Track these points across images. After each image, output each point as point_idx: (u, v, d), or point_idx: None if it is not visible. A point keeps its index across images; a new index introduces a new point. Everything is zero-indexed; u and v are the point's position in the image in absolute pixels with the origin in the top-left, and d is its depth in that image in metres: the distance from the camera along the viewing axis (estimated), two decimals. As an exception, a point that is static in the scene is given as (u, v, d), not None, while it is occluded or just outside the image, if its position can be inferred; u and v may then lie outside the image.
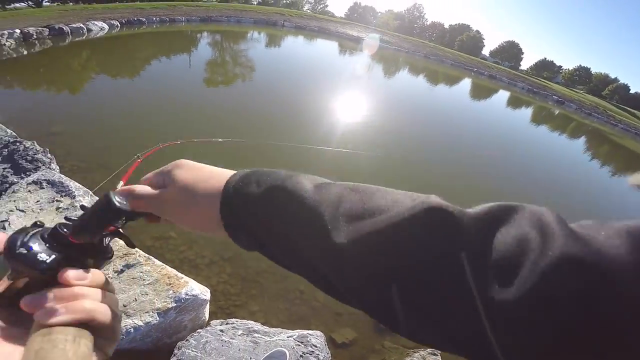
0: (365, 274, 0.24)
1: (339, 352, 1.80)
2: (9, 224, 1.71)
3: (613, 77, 48.08)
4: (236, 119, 4.84)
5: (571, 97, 24.24)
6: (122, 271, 1.59)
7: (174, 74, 6.58)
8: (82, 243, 0.28)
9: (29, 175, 2.11)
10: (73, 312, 0.24)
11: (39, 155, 2.33)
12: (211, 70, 7.83)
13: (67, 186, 2.02)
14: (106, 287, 0.29)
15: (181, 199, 0.32)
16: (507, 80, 22.93)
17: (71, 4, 12.65)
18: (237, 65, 8.81)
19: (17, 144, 2.39)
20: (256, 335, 1.56)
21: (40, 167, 2.24)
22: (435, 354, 1.79)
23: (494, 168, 5.48)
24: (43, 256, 0.25)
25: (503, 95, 17.63)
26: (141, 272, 1.60)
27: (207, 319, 1.69)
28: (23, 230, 0.27)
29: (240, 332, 1.56)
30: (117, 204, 0.27)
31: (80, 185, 2.10)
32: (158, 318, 1.43)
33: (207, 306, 1.67)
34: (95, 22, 8.25)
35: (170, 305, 1.47)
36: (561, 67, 52.68)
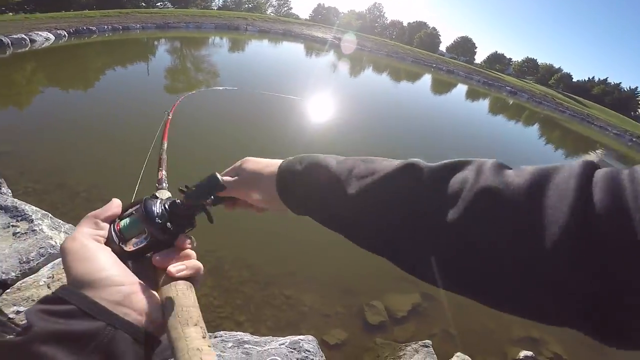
0: (369, 210, 0.34)
1: (332, 353, 1.79)
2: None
3: (557, 66, 52.31)
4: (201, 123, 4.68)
5: (522, 88, 26.06)
6: None
7: (131, 82, 6.24)
8: (187, 213, 0.36)
9: (-24, 203, 1.89)
10: (191, 269, 0.34)
11: (-14, 179, 2.11)
12: (172, 77, 7.51)
13: (23, 210, 1.84)
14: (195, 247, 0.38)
15: (252, 181, 0.43)
16: (464, 75, 24.19)
17: (10, 13, 11.61)
18: (200, 71, 8.53)
19: (-42, 169, 2.14)
20: (247, 346, 1.50)
21: (-12, 192, 2.02)
22: (427, 346, 1.80)
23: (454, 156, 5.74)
24: (169, 225, 0.34)
25: (461, 88, 18.58)
26: None
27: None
28: (151, 201, 0.35)
29: (230, 344, 1.50)
30: (222, 180, 0.38)
31: (37, 209, 1.91)
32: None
33: None
34: (40, 33, 7.61)
35: None
36: (511, 59, 56.29)
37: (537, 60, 54.09)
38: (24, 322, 0.25)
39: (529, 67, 53.82)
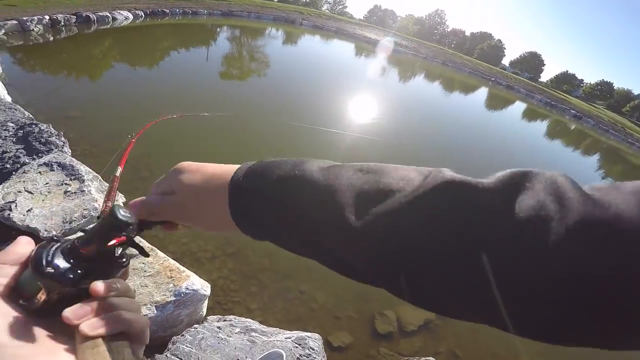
0: (384, 253, 0.24)
1: (334, 355, 1.76)
2: (16, 206, 1.72)
3: (636, 93, 46.66)
4: (246, 107, 4.85)
5: (589, 112, 23.56)
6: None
7: (190, 66, 6.66)
8: (100, 254, 0.29)
9: (41, 157, 2.13)
10: (114, 323, 0.26)
11: (53, 138, 2.36)
12: (227, 64, 7.89)
13: (78, 170, 2.03)
14: (130, 295, 0.30)
15: (191, 201, 0.32)
16: (524, 92, 22.46)
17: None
18: (253, 61, 8.85)
19: (33, 126, 2.42)
20: (254, 334, 1.53)
21: (53, 149, 2.26)
22: None
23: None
24: (69, 272, 0.26)
25: (519, 106, 17.26)
26: (143, 262, 1.58)
27: (205, 314, 1.67)
28: (44, 247, 0.27)
29: (237, 329, 1.53)
30: (122, 217, 0.28)
31: (90, 170, 2.11)
32: (155, 312, 1.40)
33: (206, 301, 1.64)
34: (121, 12, 8.39)
35: (169, 299, 1.44)
36: (582, 80, 51.33)
37: (614, 85, 48.71)
38: None
39: (602, 91, 48.73)
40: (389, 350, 1.88)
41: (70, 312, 0.25)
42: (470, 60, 27.74)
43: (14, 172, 1.99)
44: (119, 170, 0.43)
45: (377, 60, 16.31)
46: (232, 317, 1.63)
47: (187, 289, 1.49)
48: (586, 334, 0.21)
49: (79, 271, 0.27)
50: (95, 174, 2.12)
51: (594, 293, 0.19)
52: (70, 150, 2.38)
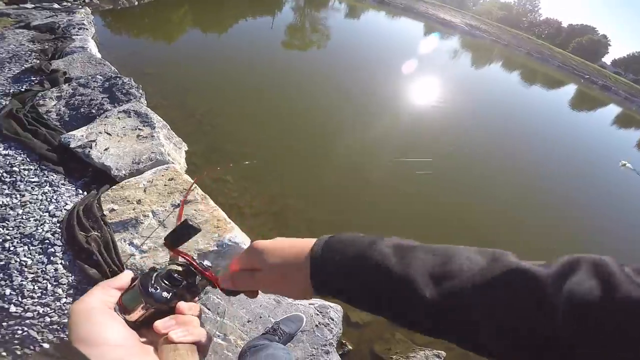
0: (456, 322, 0.30)
1: (349, 330, 1.79)
2: (96, 144, 1.98)
3: None
4: (295, 90, 4.88)
5: None
6: (178, 206, 1.72)
7: (256, 34, 6.86)
8: (186, 283, 0.39)
9: (121, 105, 2.41)
10: (191, 334, 0.34)
11: (133, 90, 2.64)
12: (290, 34, 7.95)
13: (150, 118, 2.26)
14: (200, 315, 0.38)
15: (277, 277, 0.38)
16: (624, 95, 19.09)
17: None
18: (315, 32, 8.77)
19: (117, 79, 2.73)
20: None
21: (131, 99, 2.54)
22: (439, 357, 1.74)
23: (577, 205, 4.31)
24: (165, 294, 0.36)
25: (612, 110, 14.76)
26: (195, 209, 1.71)
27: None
28: (149, 275, 0.37)
29: None
30: (197, 226, 0.41)
31: (161, 119, 2.34)
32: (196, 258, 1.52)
33: None
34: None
35: (211, 248, 1.52)
36: None
37: None
38: None
39: None
40: (403, 337, 1.87)
41: (160, 324, 0.34)
42: (561, 53, 24.15)
43: (98, 117, 2.28)
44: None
45: (450, 43, 15.02)
46: None
47: (230, 240, 1.56)
48: None
49: (171, 294, 0.36)
50: (164, 122, 2.34)
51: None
52: (146, 101, 2.65)
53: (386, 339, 1.85)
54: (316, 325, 1.52)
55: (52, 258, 1.49)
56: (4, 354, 1.24)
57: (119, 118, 2.23)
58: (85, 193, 1.80)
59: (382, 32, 12.11)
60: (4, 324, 1.30)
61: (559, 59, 21.01)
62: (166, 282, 0.37)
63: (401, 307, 0.32)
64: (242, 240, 1.62)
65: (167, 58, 4.38)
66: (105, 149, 1.96)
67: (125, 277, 0.38)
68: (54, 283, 1.41)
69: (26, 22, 4.42)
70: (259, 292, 0.43)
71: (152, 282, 0.36)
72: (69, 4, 5.55)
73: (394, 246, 0.34)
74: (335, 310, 1.62)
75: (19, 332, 1.28)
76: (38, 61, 3.08)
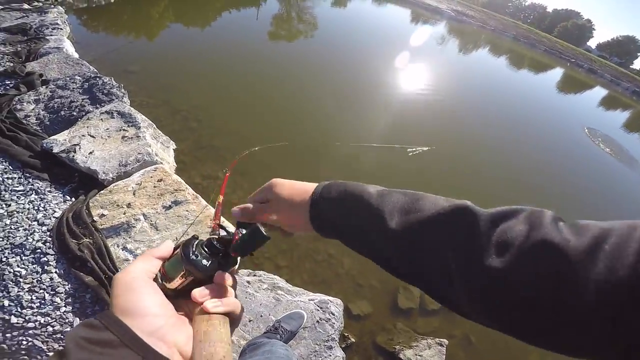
0: (412, 247, 0.35)
1: (351, 323, 1.79)
2: (79, 148, 1.90)
3: None
4: (284, 81, 4.80)
5: (691, 106, 19.76)
6: (169, 207, 1.68)
7: (241, 26, 6.71)
8: (225, 253, 0.39)
9: (103, 106, 2.32)
10: (226, 305, 0.34)
11: (114, 89, 2.54)
12: (276, 24, 7.79)
13: (135, 117, 2.18)
14: (236, 287, 0.39)
15: (284, 208, 0.44)
16: (609, 78, 19.38)
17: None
18: (301, 22, 8.64)
19: (97, 79, 2.62)
20: (280, 292, 1.58)
21: (114, 99, 2.44)
22: (441, 345, 1.75)
23: (556, 181, 4.43)
24: (205, 262, 0.36)
25: (598, 93, 14.99)
26: (187, 210, 1.68)
27: (237, 268, 1.75)
28: (190, 242, 0.37)
29: (265, 286, 1.59)
30: (266, 234, 0.38)
31: (146, 118, 2.26)
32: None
33: None
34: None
35: None
36: (690, 70, 42.72)
37: None
38: (62, 347, 0.26)
39: None
40: (405, 326, 1.87)
41: (197, 292, 0.34)
42: (547, 38, 24.32)
43: (79, 119, 2.19)
44: (220, 198, 0.53)
45: (436, 29, 14.94)
46: (262, 272, 1.69)
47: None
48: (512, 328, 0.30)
49: (211, 263, 0.37)
50: (150, 122, 2.27)
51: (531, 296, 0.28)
52: (129, 101, 2.57)
53: (388, 329, 1.85)
54: (317, 321, 1.51)
55: (46, 267, 1.47)
56: None
57: (101, 119, 2.14)
58: (73, 199, 1.75)
59: (369, 20, 11.98)
60: (8, 335, 1.29)
61: (545, 44, 21.16)
62: (206, 250, 0.37)
63: (374, 237, 0.37)
64: None
65: (149, 55, 4.23)
66: (90, 153, 1.89)
67: (167, 246, 0.38)
68: (51, 292, 1.40)
69: (-3, 23, 4.22)
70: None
71: (194, 249, 0.36)
72: (40, 4, 5.30)
73: (380, 189, 0.40)
74: (335, 304, 1.61)
75: (24, 342, 1.28)
76: (11, 64, 2.94)
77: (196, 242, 0.37)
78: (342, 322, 1.58)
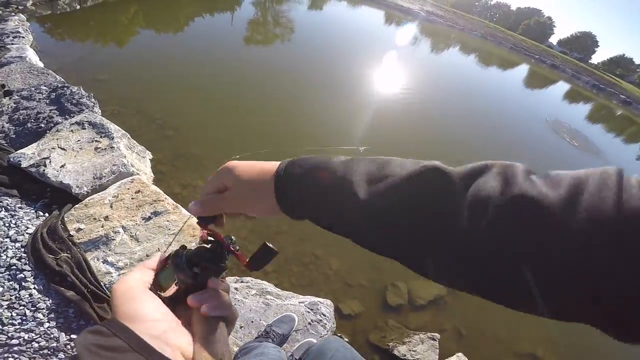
0: (384, 215, 0.32)
1: (343, 323, 1.80)
2: (50, 162, 1.81)
3: None
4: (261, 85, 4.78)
5: (644, 98, 21.35)
6: (149, 218, 1.63)
7: (215, 31, 6.60)
8: (214, 260, 0.40)
9: (73, 117, 2.22)
10: (222, 308, 0.36)
11: (84, 99, 2.43)
12: (251, 29, 7.73)
13: (107, 128, 2.09)
14: (229, 292, 0.40)
15: (245, 191, 0.40)
16: (571, 72, 20.60)
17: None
18: (278, 26, 8.62)
19: (65, 88, 2.50)
20: (269, 297, 1.57)
21: (84, 110, 2.34)
22: (433, 339, 1.79)
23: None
24: (196, 270, 0.38)
25: (562, 87, 15.89)
26: (167, 220, 1.63)
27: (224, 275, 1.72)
28: (179, 253, 0.39)
29: (253, 292, 1.58)
30: (275, 249, 0.40)
31: (119, 128, 2.17)
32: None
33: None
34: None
35: None
36: (640, 66, 46.07)
37: (677, 70, 43.59)
38: (74, 352, 0.28)
39: (663, 76, 43.62)
40: (396, 323, 1.90)
41: (194, 298, 0.36)
42: (512, 36, 25.52)
43: (48, 131, 2.09)
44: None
45: (408, 30, 15.34)
46: (249, 279, 1.67)
47: None
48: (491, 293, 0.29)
49: (200, 269, 0.38)
50: (124, 132, 2.18)
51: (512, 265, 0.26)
52: (100, 111, 2.46)
53: (380, 327, 1.87)
54: (309, 323, 1.51)
55: (23, 284, 1.43)
56: None
57: (72, 131, 2.05)
58: (47, 214, 1.67)
59: (345, 22, 12.13)
60: None
61: (511, 41, 22.19)
62: (196, 258, 0.39)
63: (346, 212, 0.34)
64: None
65: (119, 62, 4.08)
66: (62, 166, 1.80)
67: (157, 258, 0.40)
68: (32, 308, 1.36)
69: (-50, 32, 3.95)
70: (225, 219, 0.44)
71: (184, 259, 0.38)
72: (0, 12, 5.01)
73: (345, 159, 0.37)
74: (325, 305, 1.62)
75: (10, 359, 1.24)
76: (-31, 75, 2.76)
77: (185, 252, 0.39)
78: (334, 323, 1.59)
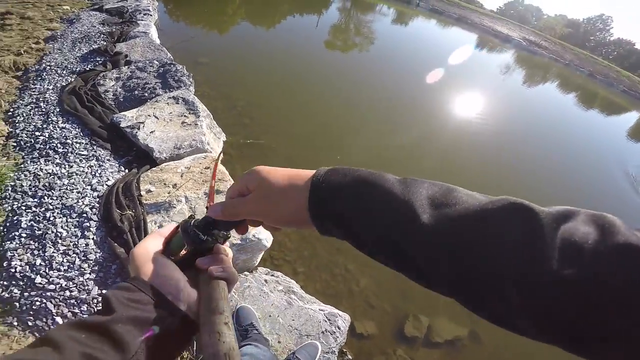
0: (449, 246, 0.29)
1: (352, 340, 1.78)
2: (143, 126, 2.11)
3: None
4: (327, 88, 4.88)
5: None
6: (206, 194, 1.78)
7: (301, 31, 7.00)
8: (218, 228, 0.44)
9: (172, 91, 2.56)
10: (225, 271, 0.40)
11: (184, 78, 2.79)
12: (333, 34, 7.98)
13: (197, 106, 2.36)
14: (231, 257, 0.46)
15: (272, 198, 0.37)
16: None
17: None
18: (359, 35, 8.75)
19: (171, 65, 2.90)
20: (293, 297, 1.60)
21: (181, 87, 2.69)
22: None
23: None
24: (202, 236, 0.42)
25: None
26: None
27: (257, 264, 1.77)
28: (188, 221, 0.43)
29: (280, 287, 1.62)
30: (201, 239, 0.42)
31: (206, 108, 2.44)
32: None
33: (262, 253, 1.74)
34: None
35: (234, 241, 1.55)
36: None
37: None
38: (98, 307, 0.34)
39: None
40: (404, 354, 1.82)
41: (201, 261, 0.41)
42: (628, 77, 21.97)
43: (148, 100, 2.45)
44: (213, 182, 0.53)
45: (502, 57, 14.22)
46: (279, 274, 1.72)
47: (254, 236, 1.58)
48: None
49: (207, 237, 0.42)
50: (208, 112, 2.45)
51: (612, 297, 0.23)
52: (194, 90, 2.79)
53: (387, 354, 1.81)
54: (322, 332, 1.52)
55: (85, 232, 1.52)
56: (15, 323, 1.25)
57: (167, 103, 2.37)
58: (126, 171, 1.88)
59: (429, 40, 11.76)
60: (26, 293, 1.30)
61: (625, 83, 19.18)
62: (202, 227, 0.43)
63: (397, 233, 0.31)
64: (266, 237, 1.64)
65: (218, 49, 4.59)
66: (151, 132, 2.10)
67: (170, 227, 0.45)
68: (82, 258, 1.43)
69: (100, 4, 4.83)
70: (254, 224, 0.42)
71: (191, 226, 0.42)
72: (138, -10, 5.96)
73: (398, 178, 0.34)
74: (343, 319, 1.62)
75: (37, 303, 1.28)
76: (105, 43, 3.35)
77: (193, 221, 0.43)
78: (344, 338, 1.59)
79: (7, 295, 1.31)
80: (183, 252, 0.43)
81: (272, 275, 1.70)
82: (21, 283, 1.34)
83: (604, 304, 0.24)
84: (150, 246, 0.41)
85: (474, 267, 0.28)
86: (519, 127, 6.46)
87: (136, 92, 2.54)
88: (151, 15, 4.38)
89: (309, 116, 3.79)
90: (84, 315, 0.97)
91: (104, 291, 1.33)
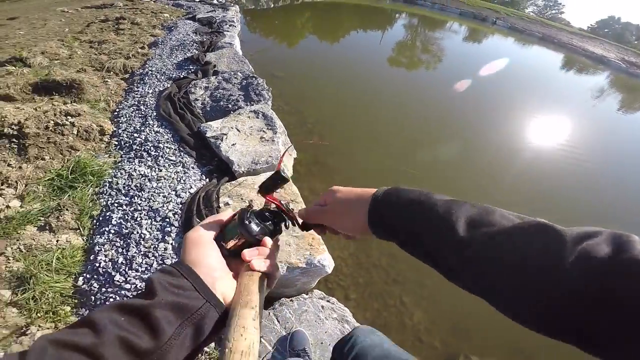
0: (481, 260, 0.34)
1: None
2: (226, 137, 2.22)
3: None
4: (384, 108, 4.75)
5: None
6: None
7: (364, 47, 6.97)
8: (273, 222, 0.48)
9: (252, 105, 2.71)
10: (268, 265, 0.42)
11: (264, 92, 2.91)
12: (398, 51, 7.83)
13: (275, 122, 2.43)
14: (278, 252, 0.49)
15: (341, 210, 0.48)
16: None
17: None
18: (426, 52, 8.46)
19: (253, 78, 3.08)
20: (346, 326, 1.58)
21: (261, 100, 2.80)
22: None
23: None
24: (255, 227, 0.44)
25: None
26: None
27: (313, 287, 1.78)
28: (246, 210, 0.45)
29: (335, 315, 1.61)
30: (284, 175, 0.48)
31: (282, 124, 2.49)
32: (285, 272, 1.49)
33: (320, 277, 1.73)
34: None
35: (300, 265, 1.55)
36: None
37: None
38: (146, 280, 0.36)
39: None
40: None
41: (247, 252, 0.43)
42: None
43: (232, 112, 2.62)
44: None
45: (594, 79, 12.62)
46: (334, 300, 1.71)
47: (319, 262, 1.58)
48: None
49: (260, 229, 0.44)
50: (284, 128, 2.52)
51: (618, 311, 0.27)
52: (271, 104, 2.90)
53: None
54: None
55: (166, 237, 1.52)
56: (83, 309, 1.27)
57: (248, 117, 2.51)
58: (207, 180, 1.94)
59: (509, 60, 10.91)
60: (103, 289, 1.33)
61: None
62: (258, 218, 0.45)
63: (439, 245, 0.38)
64: (329, 264, 1.63)
65: (290, 63, 4.80)
66: (233, 144, 2.19)
67: (227, 213, 0.48)
68: (160, 262, 1.43)
69: (193, 14, 5.35)
70: (326, 231, 0.53)
71: (248, 216, 0.44)
72: (224, 1, 6.50)
73: (444, 199, 0.41)
74: None
75: (111, 299, 1.31)
76: (197, 52, 3.70)
77: (251, 211, 0.45)
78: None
79: (86, 287, 1.35)
80: (235, 241, 0.44)
81: (328, 301, 1.69)
82: (101, 278, 1.38)
83: (610, 312, 0.26)
84: (202, 231, 0.43)
85: (501, 280, 0.33)
86: (605, 157, 5.66)
87: (221, 103, 2.74)
88: (235, 26, 4.71)
89: (377, 140, 3.73)
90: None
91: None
